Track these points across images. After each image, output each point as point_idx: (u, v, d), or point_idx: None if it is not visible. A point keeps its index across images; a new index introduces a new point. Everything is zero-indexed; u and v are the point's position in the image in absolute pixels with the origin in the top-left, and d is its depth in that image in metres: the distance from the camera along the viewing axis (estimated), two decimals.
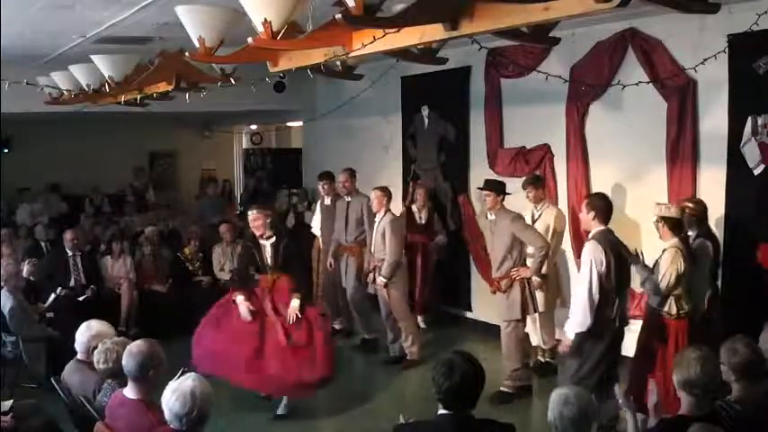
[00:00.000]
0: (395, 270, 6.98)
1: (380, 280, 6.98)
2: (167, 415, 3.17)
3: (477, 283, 8.41)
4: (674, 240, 5.06)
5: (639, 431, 3.55)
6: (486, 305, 7.97)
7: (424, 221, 8.46)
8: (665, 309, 5.04)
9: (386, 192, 7.16)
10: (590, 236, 5.10)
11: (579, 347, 4.98)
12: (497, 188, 6.36)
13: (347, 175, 7.88)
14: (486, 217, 7.17)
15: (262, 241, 6.13)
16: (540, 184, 6.92)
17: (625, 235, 6.56)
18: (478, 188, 6.78)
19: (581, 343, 4.96)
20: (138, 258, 8.86)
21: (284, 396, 6.03)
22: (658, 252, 5.20)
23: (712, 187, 6.17)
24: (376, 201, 7.09)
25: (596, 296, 4.85)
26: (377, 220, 7.16)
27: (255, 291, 6.16)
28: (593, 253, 4.88)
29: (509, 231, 6.19)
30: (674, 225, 5.09)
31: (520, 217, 6.32)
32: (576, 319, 4.91)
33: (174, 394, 3.14)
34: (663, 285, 4.98)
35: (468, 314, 8.64)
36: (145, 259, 8.89)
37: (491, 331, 7.52)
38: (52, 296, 7.11)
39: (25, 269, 7.33)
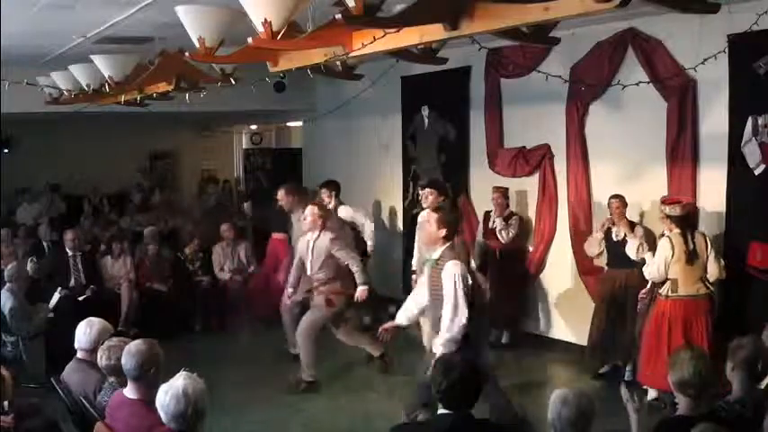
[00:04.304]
0: None
1: None
2: (164, 417, 3.14)
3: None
4: (671, 232, 5.68)
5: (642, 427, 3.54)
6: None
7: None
8: (662, 291, 5.69)
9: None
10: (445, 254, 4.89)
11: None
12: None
13: None
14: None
15: None
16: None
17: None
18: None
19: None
20: (138, 258, 8.86)
21: None
22: None
23: (712, 187, 6.18)
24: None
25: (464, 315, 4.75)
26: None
27: None
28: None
29: None
30: (677, 221, 5.68)
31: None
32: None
33: (168, 395, 3.11)
34: (654, 270, 5.68)
35: None
36: (145, 259, 8.90)
37: None
38: (56, 296, 7.10)
39: (29, 267, 7.35)
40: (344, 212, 7.99)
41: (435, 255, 4.94)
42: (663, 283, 5.74)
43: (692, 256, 5.57)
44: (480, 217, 8.22)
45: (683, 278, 5.59)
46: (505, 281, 7.64)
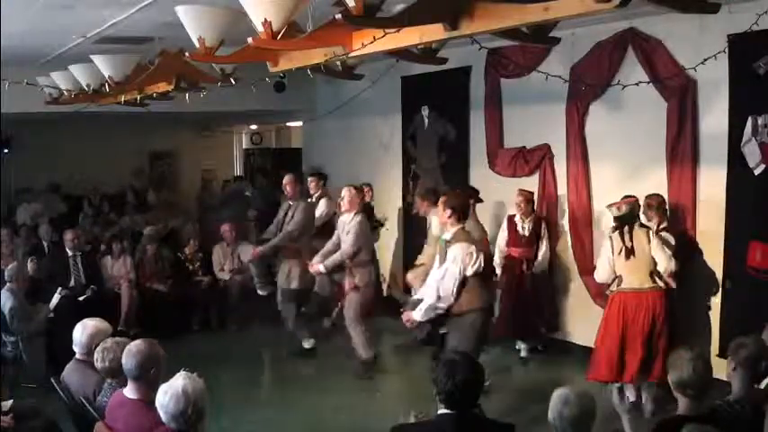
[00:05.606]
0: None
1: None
2: (163, 417, 3.15)
3: None
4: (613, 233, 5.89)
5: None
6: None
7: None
8: (611, 287, 5.87)
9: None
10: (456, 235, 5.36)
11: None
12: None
13: None
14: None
15: None
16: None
17: None
18: None
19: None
20: (138, 258, 8.86)
21: None
22: None
23: (712, 187, 6.18)
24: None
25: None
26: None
27: None
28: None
29: None
30: (617, 221, 5.87)
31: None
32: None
33: (167, 395, 3.12)
34: (600, 270, 5.94)
35: None
36: (145, 259, 8.89)
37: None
38: (56, 296, 7.10)
39: (29, 266, 7.35)
40: (323, 206, 8.28)
41: (447, 236, 5.40)
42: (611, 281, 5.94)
43: (629, 252, 5.71)
44: (481, 218, 8.21)
45: (625, 273, 5.76)
46: (535, 292, 7.29)
